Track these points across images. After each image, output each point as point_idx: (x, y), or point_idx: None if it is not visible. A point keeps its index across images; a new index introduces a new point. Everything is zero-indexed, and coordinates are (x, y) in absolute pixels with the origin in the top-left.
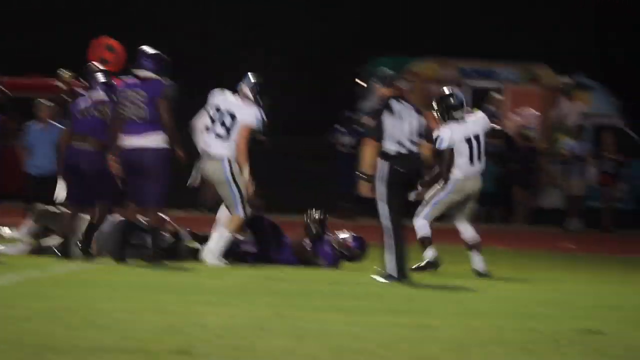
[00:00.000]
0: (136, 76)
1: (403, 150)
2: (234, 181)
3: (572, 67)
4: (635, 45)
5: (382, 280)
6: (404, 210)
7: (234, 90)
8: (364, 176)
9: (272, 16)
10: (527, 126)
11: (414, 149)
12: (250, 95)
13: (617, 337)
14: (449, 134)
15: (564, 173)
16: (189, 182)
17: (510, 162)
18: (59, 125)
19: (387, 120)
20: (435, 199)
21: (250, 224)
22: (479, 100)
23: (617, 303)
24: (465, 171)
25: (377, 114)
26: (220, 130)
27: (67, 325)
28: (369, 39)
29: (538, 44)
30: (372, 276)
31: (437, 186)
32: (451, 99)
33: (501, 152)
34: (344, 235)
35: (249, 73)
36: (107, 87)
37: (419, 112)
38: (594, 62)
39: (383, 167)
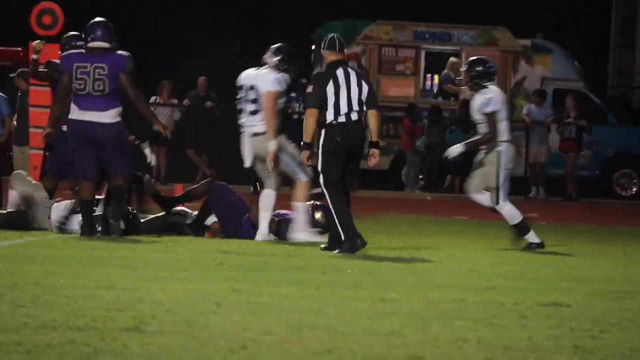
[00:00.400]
0: (91, 48)
1: (341, 119)
2: (282, 151)
3: (532, 30)
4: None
5: (336, 251)
6: (342, 179)
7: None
8: (304, 144)
9: None
10: None
11: (354, 117)
12: (272, 62)
13: (583, 309)
14: (494, 97)
15: (525, 140)
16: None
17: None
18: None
19: (328, 88)
20: (500, 179)
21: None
22: (435, 64)
23: (583, 274)
24: (508, 136)
25: (318, 82)
26: (251, 106)
27: (13, 302)
28: (322, 1)
29: (496, 6)
30: (322, 247)
31: (487, 168)
32: (483, 65)
33: (462, 119)
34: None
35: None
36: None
37: (365, 79)
38: (554, 23)
39: (322, 135)
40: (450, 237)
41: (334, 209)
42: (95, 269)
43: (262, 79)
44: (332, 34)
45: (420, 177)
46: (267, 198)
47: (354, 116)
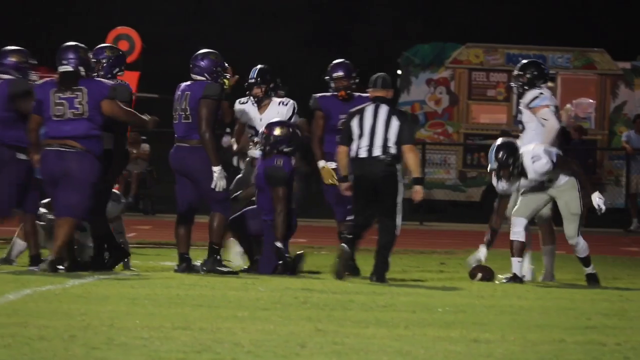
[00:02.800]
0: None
1: (362, 154)
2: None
3: (632, 52)
4: None
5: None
6: (365, 213)
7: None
8: (341, 177)
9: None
10: (583, 117)
11: (376, 153)
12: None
13: None
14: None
15: (625, 169)
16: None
17: None
18: None
19: (353, 123)
20: (581, 205)
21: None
22: None
23: None
24: None
25: (348, 117)
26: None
27: (87, 344)
28: (407, 25)
29: (594, 27)
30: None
31: (572, 194)
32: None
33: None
34: None
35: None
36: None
37: (399, 116)
38: None
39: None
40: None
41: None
42: (171, 308)
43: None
44: (381, 74)
45: None
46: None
47: (376, 152)
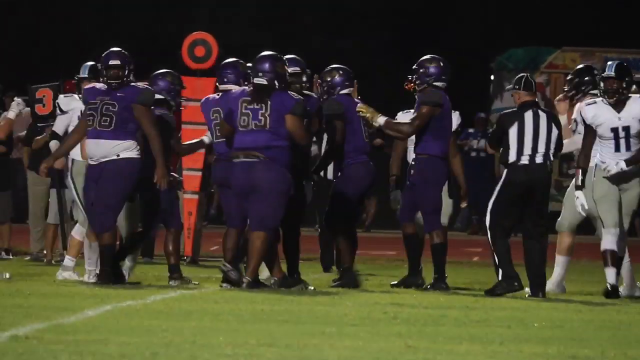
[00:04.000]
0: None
1: (524, 161)
2: None
3: None
4: None
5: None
6: (512, 222)
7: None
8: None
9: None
10: None
11: (539, 160)
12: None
13: None
14: (592, 113)
15: None
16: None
17: None
18: None
19: (511, 130)
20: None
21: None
22: None
23: None
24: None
25: (505, 121)
26: None
27: None
28: (500, 27)
29: None
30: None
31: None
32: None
33: None
34: None
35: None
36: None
37: (557, 123)
38: None
39: (503, 175)
40: None
41: (494, 249)
42: (256, 324)
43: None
44: (525, 75)
45: None
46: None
47: (539, 159)
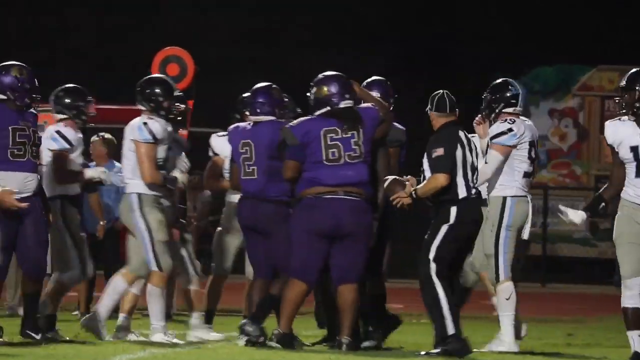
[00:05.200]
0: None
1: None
2: None
3: None
4: None
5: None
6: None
7: None
8: None
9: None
10: None
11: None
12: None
13: None
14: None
15: None
16: None
17: None
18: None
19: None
20: None
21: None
22: None
23: None
24: None
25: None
26: None
27: None
28: (523, 42)
29: None
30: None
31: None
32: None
33: None
34: None
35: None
36: None
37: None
38: None
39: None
40: None
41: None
42: None
43: None
44: (441, 92)
45: None
46: None
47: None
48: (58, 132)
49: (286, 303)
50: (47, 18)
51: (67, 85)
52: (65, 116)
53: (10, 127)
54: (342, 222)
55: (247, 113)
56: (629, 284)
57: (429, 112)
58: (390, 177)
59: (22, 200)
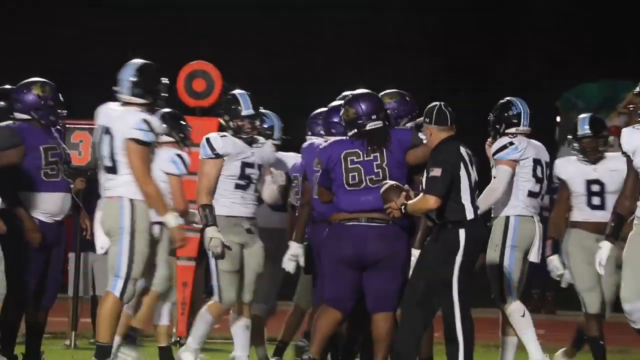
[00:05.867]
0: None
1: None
2: None
3: None
4: None
5: None
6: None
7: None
8: None
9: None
10: None
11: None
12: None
13: None
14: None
15: None
16: None
17: None
18: None
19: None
20: None
21: None
22: None
23: None
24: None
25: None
26: None
27: None
28: (567, 55)
29: None
30: None
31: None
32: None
33: None
34: None
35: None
36: None
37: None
38: None
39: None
40: None
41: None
42: None
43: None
44: (438, 104)
45: None
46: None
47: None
48: (179, 155)
49: (318, 330)
50: (67, 30)
51: (170, 110)
52: (172, 139)
53: (41, 147)
54: (367, 250)
55: (322, 132)
56: (628, 308)
57: (425, 126)
58: (389, 183)
59: (57, 223)
